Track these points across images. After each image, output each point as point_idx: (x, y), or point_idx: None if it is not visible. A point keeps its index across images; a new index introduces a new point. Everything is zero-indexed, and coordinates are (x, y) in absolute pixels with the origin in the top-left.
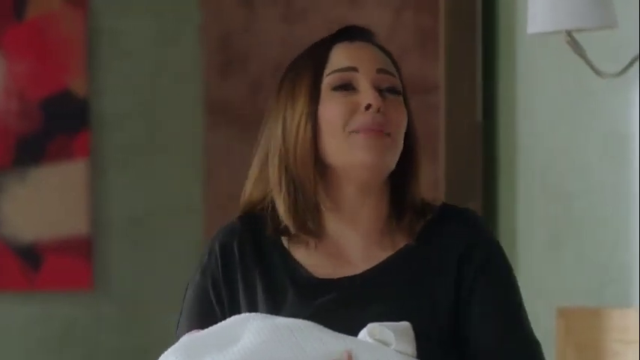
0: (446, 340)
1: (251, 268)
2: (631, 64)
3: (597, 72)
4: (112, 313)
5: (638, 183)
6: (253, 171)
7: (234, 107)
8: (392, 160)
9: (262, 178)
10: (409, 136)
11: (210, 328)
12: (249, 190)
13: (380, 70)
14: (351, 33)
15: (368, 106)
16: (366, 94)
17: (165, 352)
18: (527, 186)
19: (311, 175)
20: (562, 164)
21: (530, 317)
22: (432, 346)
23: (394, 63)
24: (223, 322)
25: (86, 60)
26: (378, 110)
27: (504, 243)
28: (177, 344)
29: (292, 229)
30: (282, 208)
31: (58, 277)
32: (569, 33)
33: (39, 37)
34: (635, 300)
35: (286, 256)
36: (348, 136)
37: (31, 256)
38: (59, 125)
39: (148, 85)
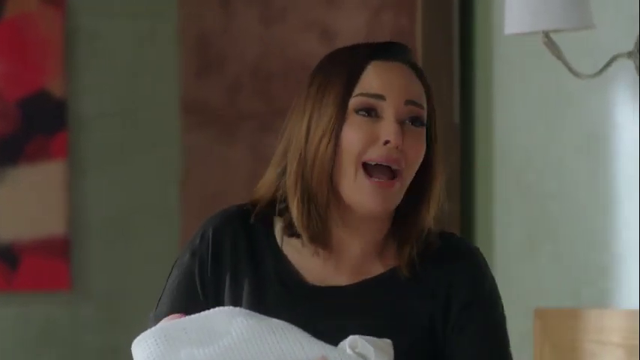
0: None
1: (241, 259)
2: (608, 64)
3: (574, 73)
4: (90, 314)
5: (615, 183)
6: (275, 159)
7: (212, 108)
8: (397, 201)
9: (282, 171)
10: (428, 165)
11: (193, 316)
12: (267, 176)
13: (408, 102)
14: (388, 51)
15: (386, 142)
16: (388, 129)
17: (145, 333)
18: (504, 187)
19: (325, 192)
20: (539, 165)
21: (507, 318)
22: None
23: (426, 87)
24: (207, 312)
25: (64, 60)
26: (397, 147)
27: (481, 244)
28: (157, 327)
29: (305, 239)
30: (295, 214)
31: (35, 277)
32: (546, 34)
33: (16, 37)
34: (613, 301)
35: (279, 255)
36: (359, 173)
37: (8, 256)
38: (37, 125)
39: (125, 85)
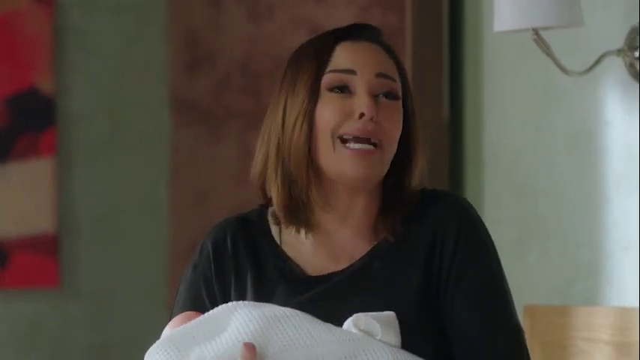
0: (426, 328)
1: (244, 263)
2: (597, 62)
3: (564, 70)
4: (79, 311)
5: (605, 181)
6: (257, 160)
7: (201, 105)
8: (381, 171)
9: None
10: (408, 137)
11: (197, 319)
12: (257, 167)
13: (379, 75)
14: (356, 31)
15: (361, 115)
16: (361, 101)
17: (154, 345)
18: (494, 184)
19: (304, 174)
20: (528, 162)
21: None
22: (413, 335)
23: (398, 64)
24: (210, 312)
25: (53, 57)
26: (371, 119)
27: None
28: (164, 337)
29: (283, 221)
30: (275, 199)
31: (24, 274)
32: (535, 31)
33: (5, 35)
34: (602, 299)
35: (279, 252)
36: (337, 144)
37: None
38: (26, 123)
39: (114, 82)
